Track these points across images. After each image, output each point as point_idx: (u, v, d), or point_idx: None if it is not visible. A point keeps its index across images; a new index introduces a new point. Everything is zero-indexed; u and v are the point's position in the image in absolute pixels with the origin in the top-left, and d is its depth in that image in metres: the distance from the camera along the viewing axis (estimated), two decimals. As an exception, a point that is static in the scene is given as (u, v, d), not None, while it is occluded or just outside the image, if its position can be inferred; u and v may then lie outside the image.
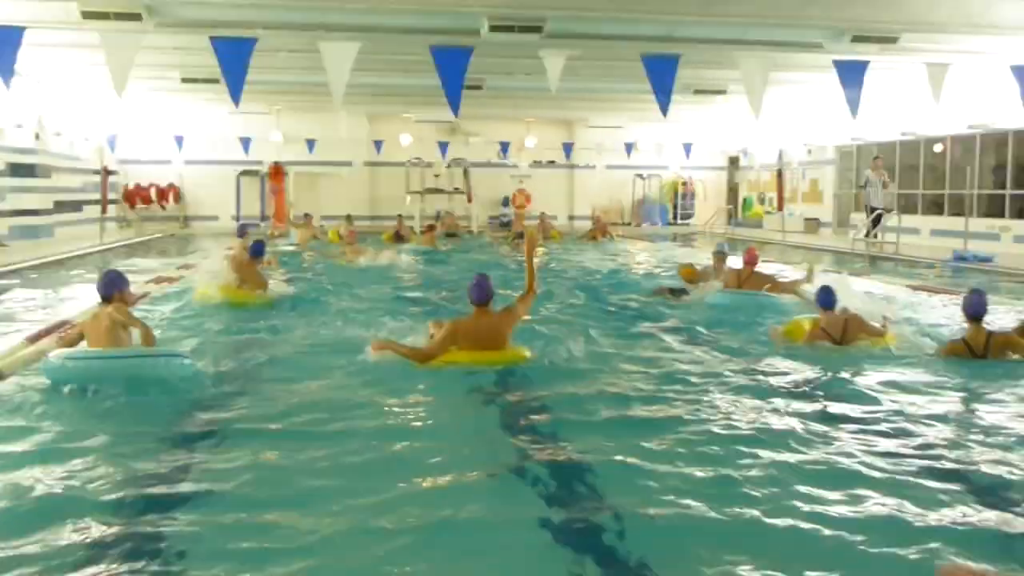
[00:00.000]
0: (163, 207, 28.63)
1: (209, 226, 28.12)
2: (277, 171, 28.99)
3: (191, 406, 5.80)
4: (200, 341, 8.09)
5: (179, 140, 27.47)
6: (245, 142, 27.61)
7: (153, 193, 28.43)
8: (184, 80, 18.90)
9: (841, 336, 7.53)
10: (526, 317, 7.22)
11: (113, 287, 6.55)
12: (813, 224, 26.66)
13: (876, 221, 19.22)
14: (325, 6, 12.27)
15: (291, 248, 19.46)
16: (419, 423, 5.58)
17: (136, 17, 11.59)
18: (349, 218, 23.69)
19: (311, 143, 28.18)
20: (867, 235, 19.13)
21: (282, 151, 28.99)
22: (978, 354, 6.98)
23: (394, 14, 12.79)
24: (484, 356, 6.74)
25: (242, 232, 15.09)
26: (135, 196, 28.15)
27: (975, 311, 7.09)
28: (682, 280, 11.61)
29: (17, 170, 19.77)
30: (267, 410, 5.72)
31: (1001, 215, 19.55)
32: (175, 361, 6.44)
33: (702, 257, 18.07)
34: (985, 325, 7.18)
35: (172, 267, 15.57)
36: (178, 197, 28.82)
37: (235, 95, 12.44)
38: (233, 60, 12.20)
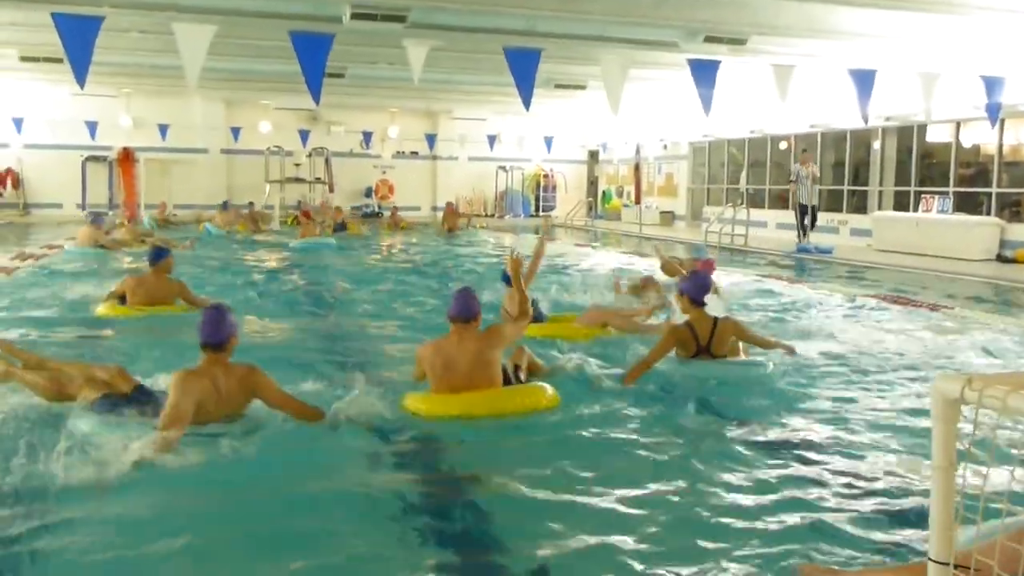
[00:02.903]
0: (0, 193, 26.87)
1: (51, 214, 26.56)
2: (127, 157, 27.69)
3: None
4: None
5: (18, 123, 25.79)
6: (91, 126, 26.17)
7: (-11, 178, 26.68)
8: (23, 58, 17.79)
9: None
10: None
11: (230, 332, 4.89)
12: (668, 217, 27.59)
13: (813, 219, 18.89)
14: (178, -14, 11.82)
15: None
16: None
17: (-31, -10, 10.84)
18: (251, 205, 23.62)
19: (163, 128, 26.99)
20: (804, 235, 18.72)
21: (132, 136, 27.71)
22: (703, 342, 6.33)
23: (252, -3, 12.47)
24: (479, 401, 5.20)
25: (96, 220, 15.22)
26: (-32, 182, 26.37)
27: (696, 294, 6.42)
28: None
29: None
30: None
31: (840, 210, 20.79)
32: None
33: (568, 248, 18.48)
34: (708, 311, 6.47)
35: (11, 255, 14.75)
36: (17, 183, 27.03)
37: (80, 76, 11.75)
38: (78, 39, 11.51)
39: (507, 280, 7.94)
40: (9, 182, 26.89)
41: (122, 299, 8.88)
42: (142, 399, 5.00)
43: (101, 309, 8.88)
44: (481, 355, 5.29)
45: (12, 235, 20.63)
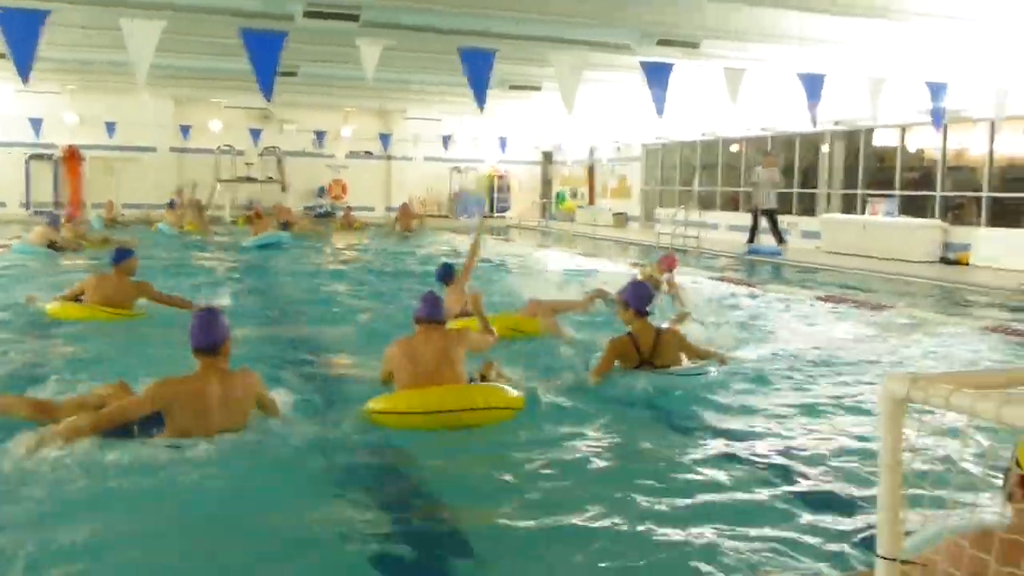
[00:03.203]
0: (-61, 192, 26.19)
1: (-6, 213, 25.96)
2: (72, 155, 27.13)
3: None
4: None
5: (-43, 119, 25.24)
6: (35, 123, 25.60)
7: (-73, 177, 25.98)
8: (-36, 53, 17.35)
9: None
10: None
11: (223, 334, 4.69)
12: (622, 218, 27.77)
13: (774, 224, 18.78)
14: (126, -19, 11.59)
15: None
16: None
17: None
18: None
19: (111, 126, 26.47)
20: (777, 240, 18.44)
21: (78, 134, 27.14)
22: (645, 354, 6.25)
23: (202, -6, 12.26)
24: (443, 396, 5.15)
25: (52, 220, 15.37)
26: (-95, 179, 25.64)
27: (639, 305, 6.36)
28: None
29: None
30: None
31: (789, 212, 21.08)
32: None
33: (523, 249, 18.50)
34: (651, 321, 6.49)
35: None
36: (-43, 182, 26.40)
37: (23, 72, 11.47)
38: (21, 33, 11.25)
39: (441, 279, 8.20)
40: (-50, 180, 26.21)
41: (77, 299, 8.59)
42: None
43: (52, 307, 8.55)
44: (447, 352, 5.39)
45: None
